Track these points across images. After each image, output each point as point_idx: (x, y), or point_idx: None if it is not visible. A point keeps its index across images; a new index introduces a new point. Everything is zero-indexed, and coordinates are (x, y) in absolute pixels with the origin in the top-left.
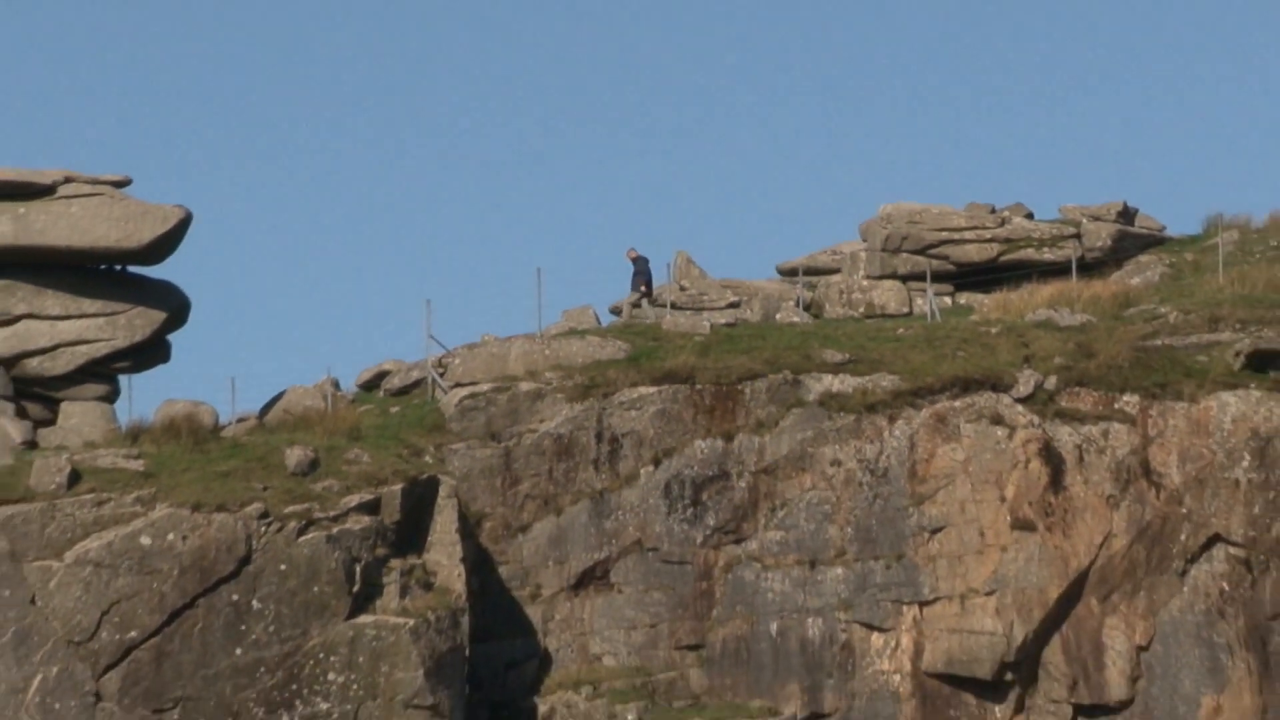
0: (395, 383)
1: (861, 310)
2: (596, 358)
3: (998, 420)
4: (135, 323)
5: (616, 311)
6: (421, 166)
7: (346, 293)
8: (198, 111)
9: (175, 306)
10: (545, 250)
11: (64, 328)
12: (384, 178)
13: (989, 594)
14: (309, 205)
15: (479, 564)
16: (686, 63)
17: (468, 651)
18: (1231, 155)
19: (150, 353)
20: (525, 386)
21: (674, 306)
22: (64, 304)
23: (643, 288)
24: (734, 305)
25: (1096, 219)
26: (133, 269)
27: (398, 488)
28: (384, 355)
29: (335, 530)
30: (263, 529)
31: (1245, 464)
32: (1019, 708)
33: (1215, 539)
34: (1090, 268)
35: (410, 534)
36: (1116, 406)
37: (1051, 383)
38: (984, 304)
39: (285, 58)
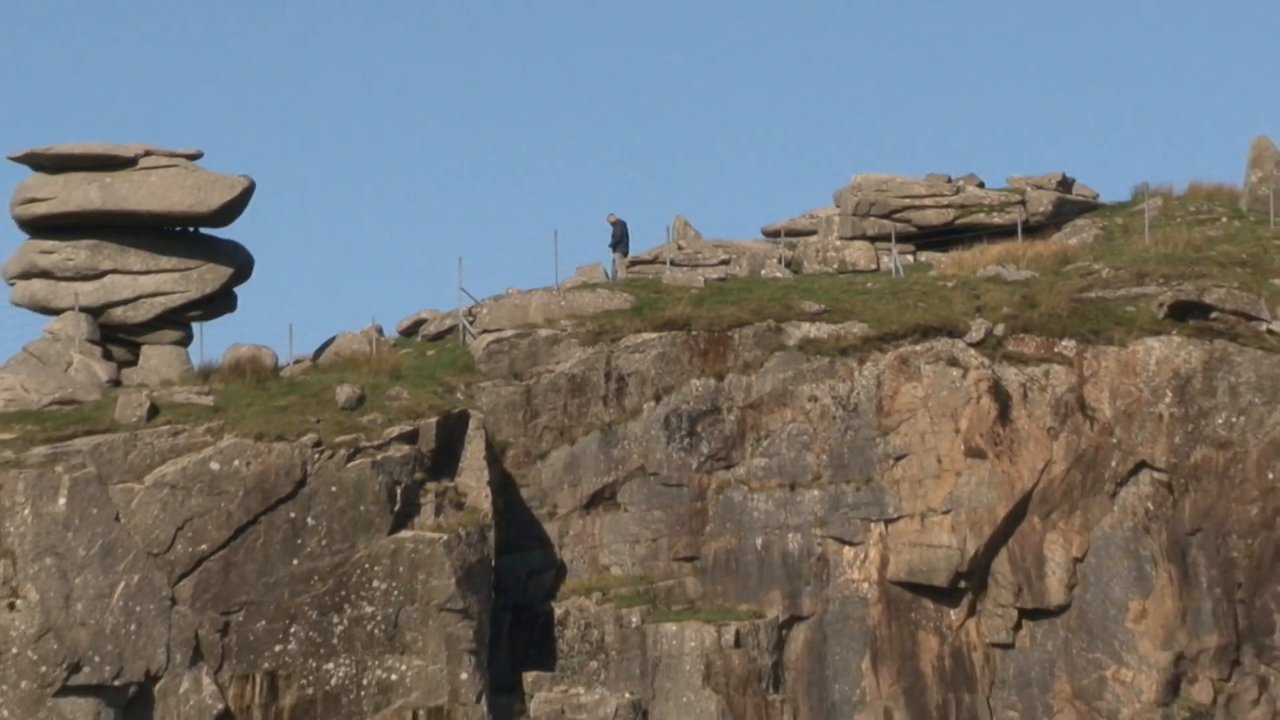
0: (431, 329)
1: (835, 267)
2: (605, 308)
3: (953, 362)
4: (206, 277)
5: (595, 284)
6: (454, 140)
7: (389, 251)
8: (259, 88)
9: (240, 263)
10: (562, 214)
11: (144, 281)
12: (421, 151)
13: (945, 513)
14: (358, 174)
15: (503, 486)
16: (685, 55)
17: (494, 562)
18: (1156, 131)
19: (219, 303)
20: (543, 333)
21: (672, 264)
22: (144, 261)
23: (612, 245)
24: (724, 263)
25: (1039, 188)
26: (204, 230)
27: (433, 420)
28: (421, 306)
29: (379, 457)
30: (316, 456)
31: (1167, 400)
32: (971, 611)
33: (1141, 465)
34: (1033, 230)
35: (444, 460)
36: (1056, 350)
37: (999, 330)
38: (941, 261)
39: (325, 39)
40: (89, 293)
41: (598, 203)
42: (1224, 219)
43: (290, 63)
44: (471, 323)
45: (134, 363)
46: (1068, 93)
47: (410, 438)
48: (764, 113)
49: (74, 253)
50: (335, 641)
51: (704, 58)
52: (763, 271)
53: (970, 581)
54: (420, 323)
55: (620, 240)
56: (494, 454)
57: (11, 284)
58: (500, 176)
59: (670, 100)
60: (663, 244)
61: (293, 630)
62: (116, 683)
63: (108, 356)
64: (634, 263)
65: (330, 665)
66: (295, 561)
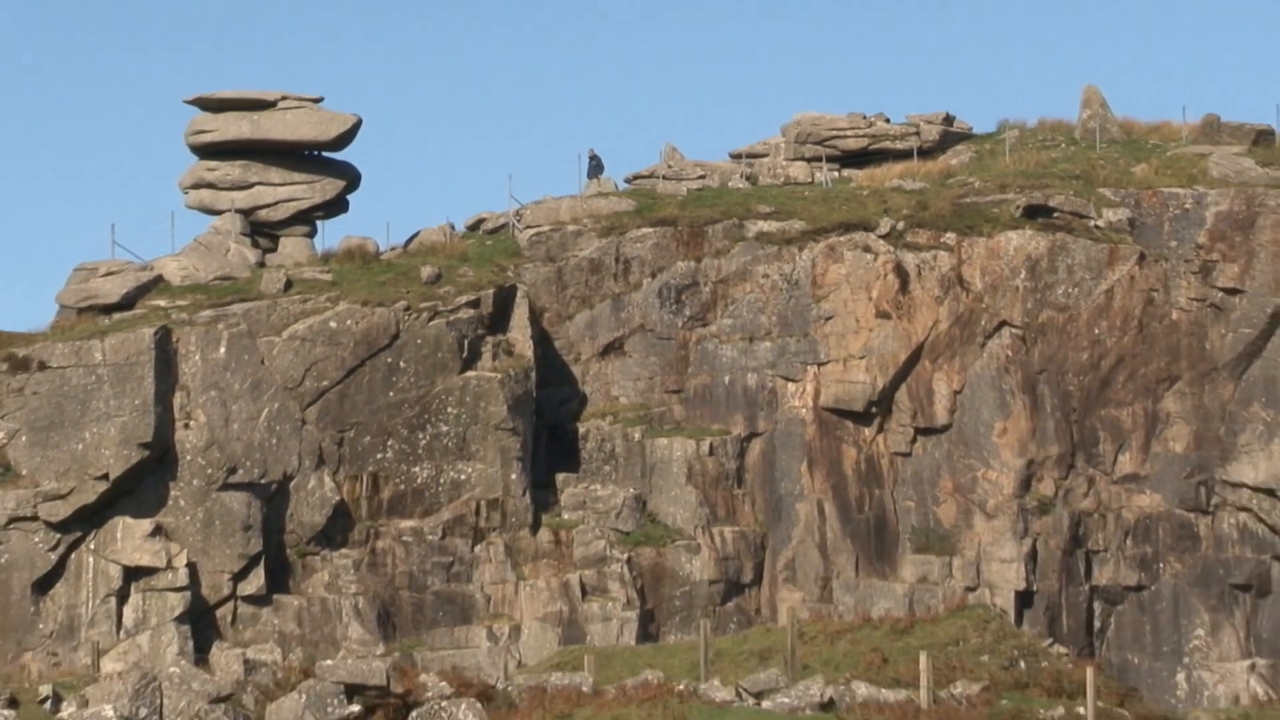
0: (489, 225)
1: (782, 180)
2: (615, 210)
3: (867, 249)
4: (325, 188)
5: (629, 180)
6: (508, 82)
7: (458, 167)
8: (367, 44)
9: (351, 177)
10: (585, 138)
11: (281, 191)
12: (482, 92)
13: (861, 358)
14: (435, 110)
15: (541, 339)
16: (686, 13)
17: (534, 394)
18: (1014, 79)
19: (335, 206)
20: (570, 228)
21: (664, 178)
22: (282, 176)
23: (590, 171)
24: (701, 177)
25: (929, 123)
26: (324, 153)
27: (490, 291)
28: (482, 208)
29: (451, 318)
30: (405, 317)
31: (1021, 276)
32: (880, 429)
33: (1002, 324)
34: (925, 153)
35: (498, 321)
36: (941, 240)
37: (900, 225)
38: (858, 176)
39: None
40: (241, 199)
41: (610, 130)
42: (1063, 145)
43: (385, 26)
44: (518, 221)
45: (274, 249)
46: (952, 50)
47: (474, 304)
48: (732, 62)
49: (230, 170)
50: (420, 451)
51: (697, 19)
52: (729, 183)
53: (879, 408)
54: (481, 221)
55: (596, 168)
56: (534, 316)
57: (186, 193)
58: (541, 111)
59: (666, 53)
60: (656, 164)
61: (389, 443)
62: (262, 481)
63: (255, 245)
64: (635, 177)
65: (416, 468)
66: (391, 393)
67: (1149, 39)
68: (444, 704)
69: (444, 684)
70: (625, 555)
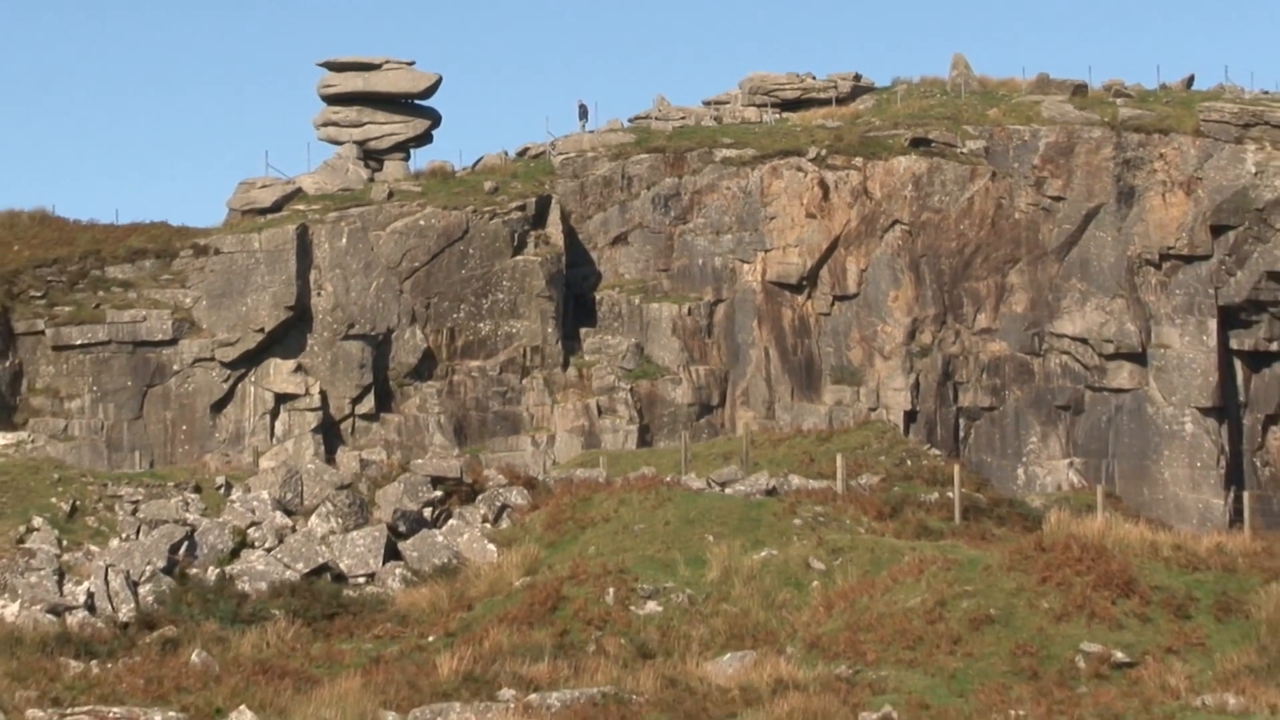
0: (532, 152)
1: (739, 120)
2: (621, 141)
3: (799, 169)
4: (416, 125)
5: (631, 120)
6: (550, 41)
7: (510, 109)
8: (446, 13)
9: (435, 118)
10: (598, 86)
11: (385, 128)
12: (530, 48)
13: (795, 246)
14: (495, 69)
15: (569, 233)
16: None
17: (565, 271)
18: (903, 44)
19: (423, 139)
20: (590, 154)
21: (655, 119)
22: (385, 117)
23: (580, 117)
24: (683, 118)
25: (843, 79)
26: (416, 101)
27: (533, 199)
28: (528, 140)
29: (505, 218)
30: (473, 217)
31: (909, 190)
32: (809, 296)
33: (895, 222)
34: (841, 101)
35: (538, 220)
36: (853, 162)
37: (823, 152)
38: (793, 118)
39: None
40: (356, 133)
41: (618, 83)
42: (938, 95)
43: (464, 3)
44: (553, 149)
45: (380, 170)
46: (860, 23)
47: (521, 208)
48: (705, 33)
49: (349, 113)
50: (483, 312)
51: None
52: (702, 123)
53: (808, 281)
54: (526, 149)
55: (584, 115)
56: (564, 217)
57: (318, 129)
58: (569, 69)
59: (659, 25)
60: (650, 109)
61: (461, 306)
62: (372, 333)
63: (366, 167)
64: (635, 118)
65: (480, 324)
66: (462, 271)
67: (1000, 17)
68: (500, 490)
69: (501, 476)
70: (628, 386)
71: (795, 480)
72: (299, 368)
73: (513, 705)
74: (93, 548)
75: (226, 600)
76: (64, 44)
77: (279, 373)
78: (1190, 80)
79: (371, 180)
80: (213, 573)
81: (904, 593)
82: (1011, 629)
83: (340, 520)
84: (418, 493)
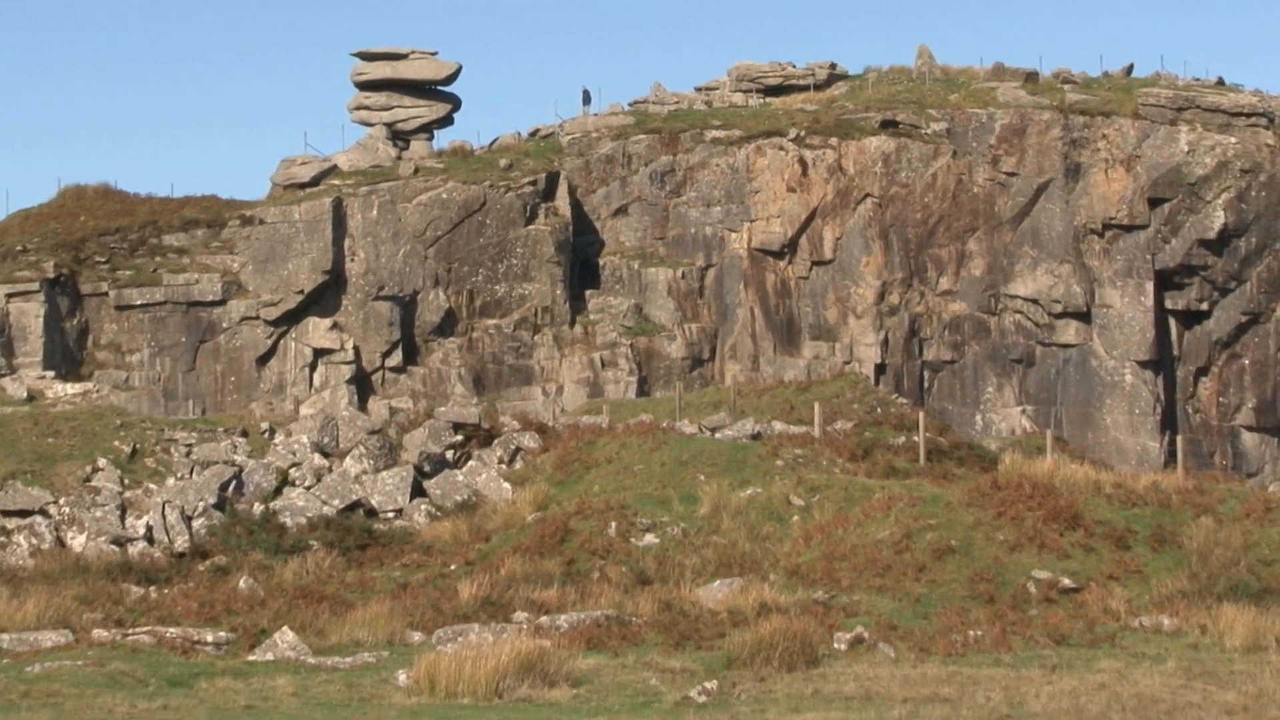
0: (543, 132)
1: (728, 104)
2: (622, 123)
3: (781, 148)
4: (439, 108)
5: (631, 104)
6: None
7: (522, 94)
8: (468, 10)
9: (455, 103)
10: (604, 72)
11: (411, 111)
12: (543, 42)
13: (778, 217)
14: (509, 61)
15: (575, 205)
16: None
17: (571, 240)
18: (875, 36)
19: (445, 121)
20: (594, 135)
21: (652, 103)
22: (412, 101)
23: (585, 105)
24: (677, 103)
25: (820, 68)
26: (439, 87)
27: (543, 174)
28: (538, 121)
29: (518, 191)
30: (490, 190)
31: (879, 167)
32: (789, 262)
33: (866, 195)
34: (818, 87)
35: (548, 192)
36: (829, 142)
37: (802, 133)
38: (776, 103)
39: None
40: (386, 116)
41: (620, 69)
42: (905, 82)
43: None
44: (561, 130)
45: (407, 148)
46: (835, 18)
47: (533, 183)
48: (700, 24)
49: (379, 98)
50: (499, 276)
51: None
52: (694, 106)
53: (789, 249)
54: (537, 130)
55: (586, 100)
56: (571, 190)
57: (351, 112)
58: (576, 58)
59: (658, 16)
60: (648, 94)
61: (479, 271)
62: (399, 294)
63: (395, 146)
64: (634, 102)
65: (497, 286)
66: (480, 239)
67: (961, 11)
68: (515, 435)
69: (515, 422)
70: (628, 342)
71: (777, 426)
72: (334, 325)
73: (525, 626)
74: (151, 486)
75: (270, 533)
76: (126, 34)
77: (317, 330)
78: (1130, 69)
79: (399, 158)
80: (258, 508)
81: (874, 526)
82: (970, 558)
83: (371, 461)
84: (441, 437)
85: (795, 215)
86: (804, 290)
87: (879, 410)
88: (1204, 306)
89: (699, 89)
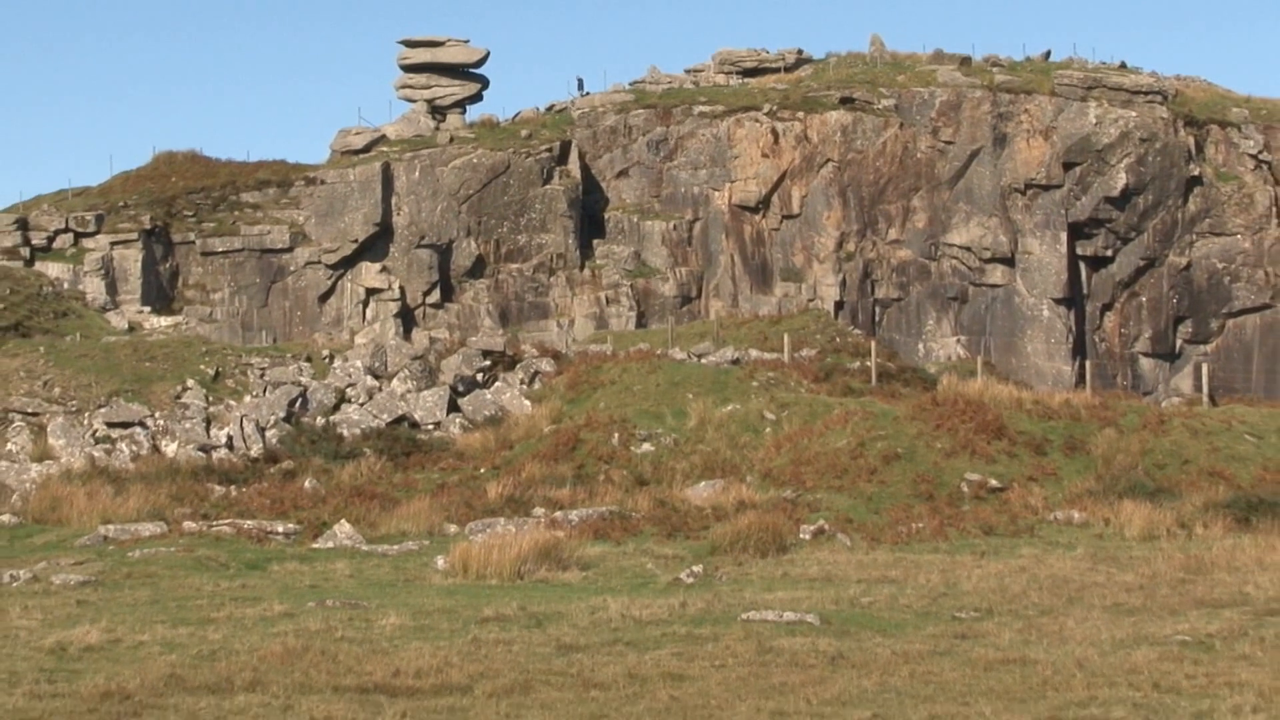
0: (558, 107)
1: (712, 84)
2: (623, 100)
3: (756, 121)
4: (470, 87)
5: (631, 84)
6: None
7: (541, 76)
8: (495, 7)
9: (484, 82)
10: (608, 56)
11: (448, 90)
12: (557, 33)
13: (754, 179)
14: (531, 47)
15: (585, 169)
16: None
17: (581, 198)
18: (834, 27)
19: (476, 98)
20: (600, 109)
21: (649, 83)
22: (448, 81)
23: (581, 90)
24: (670, 83)
25: (790, 53)
26: (470, 69)
27: (558, 142)
28: (554, 98)
29: (537, 157)
30: (513, 156)
31: (838, 136)
32: (763, 216)
33: (828, 160)
34: (788, 69)
35: (562, 158)
36: (796, 116)
37: (774, 108)
38: (752, 83)
39: None
40: (426, 94)
41: (621, 54)
42: (860, 65)
43: None
44: (573, 105)
45: (444, 121)
46: (803, 13)
47: (549, 150)
48: (689, 15)
49: (420, 78)
50: (521, 227)
51: None
52: (684, 86)
53: (763, 205)
54: (553, 105)
55: (580, 86)
56: (581, 156)
57: (397, 90)
58: (583, 44)
59: (659, 10)
60: (646, 75)
61: (505, 223)
62: (438, 244)
63: (434, 119)
64: (634, 82)
65: (519, 236)
66: (505, 197)
67: (908, 5)
68: (534, 361)
69: (534, 350)
70: (629, 283)
71: (753, 353)
72: (384, 269)
73: (542, 520)
74: (231, 402)
75: (330, 441)
76: (216, 16)
77: (369, 273)
78: (1048, 54)
79: (437, 129)
80: (320, 421)
81: (834, 436)
82: (913, 463)
83: (415, 382)
84: (472, 362)
85: (768, 177)
86: (775, 240)
87: (838, 340)
88: (1109, 253)
89: (688, 71)
